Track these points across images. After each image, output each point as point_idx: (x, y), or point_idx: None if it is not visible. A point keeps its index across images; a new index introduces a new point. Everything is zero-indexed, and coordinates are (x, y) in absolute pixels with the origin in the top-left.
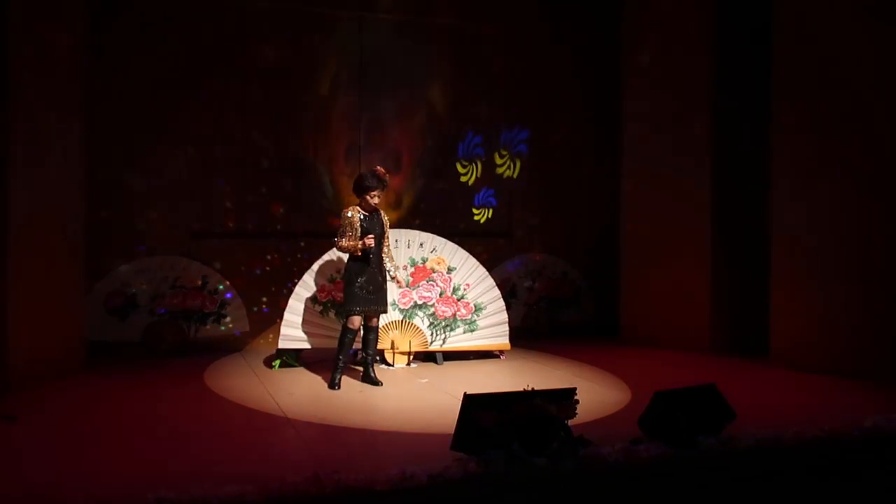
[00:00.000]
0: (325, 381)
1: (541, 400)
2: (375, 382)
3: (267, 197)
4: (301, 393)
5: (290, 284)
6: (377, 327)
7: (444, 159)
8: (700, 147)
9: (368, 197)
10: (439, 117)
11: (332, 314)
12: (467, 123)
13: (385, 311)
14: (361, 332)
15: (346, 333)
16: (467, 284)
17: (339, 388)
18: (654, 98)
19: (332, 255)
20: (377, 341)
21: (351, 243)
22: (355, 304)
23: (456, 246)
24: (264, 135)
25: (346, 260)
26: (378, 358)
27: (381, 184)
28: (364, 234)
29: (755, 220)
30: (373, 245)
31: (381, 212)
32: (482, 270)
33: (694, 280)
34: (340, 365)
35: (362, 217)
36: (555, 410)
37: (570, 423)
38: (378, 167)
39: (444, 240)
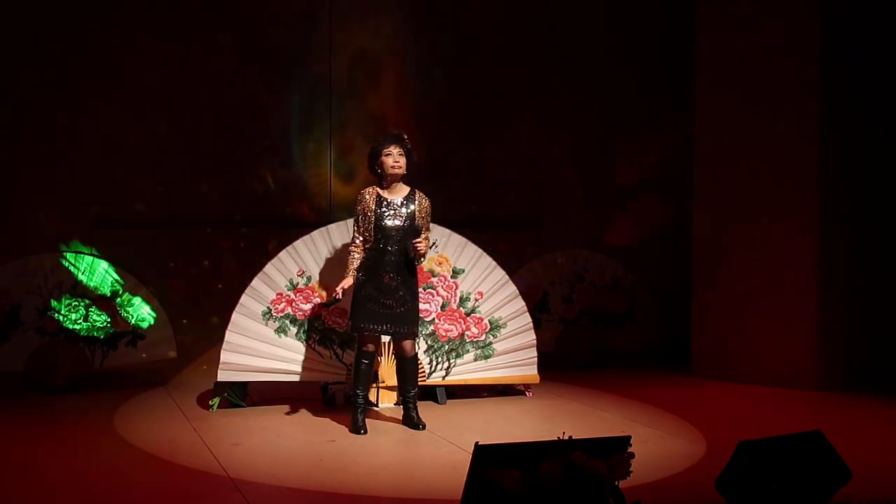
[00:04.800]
0: (282, 425)
1: (582, 453)
2: (417, 426)
3: (203, 173)
4: (250, 443)
5: (235, 293)
6: (414, 356)
7: (446, 120)
8: (805, 119)
9: (385, 159)
10: (441, 66)
11: (291, 334)
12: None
13: (412, 335)
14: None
15: (360, 359)
16: (480, 293)
17: (364, 431)
18: (741, 46)
19: (292, 251)
20: (416, 374)
21: (354, 254)
22: (359, 320)
23: (464, 239)
24: (196, 88)
25: (310, 258)
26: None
27: (395, 140)
28: (378, 226)
29: (882, 220)
30: (340, 298)
31: (418, 194)
32: (500, 274)
33: (795, 292)
34: (360, 401)
35: (380, 202)
36: (602, 468)
37: (623, 484)
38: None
39: (447, 231)
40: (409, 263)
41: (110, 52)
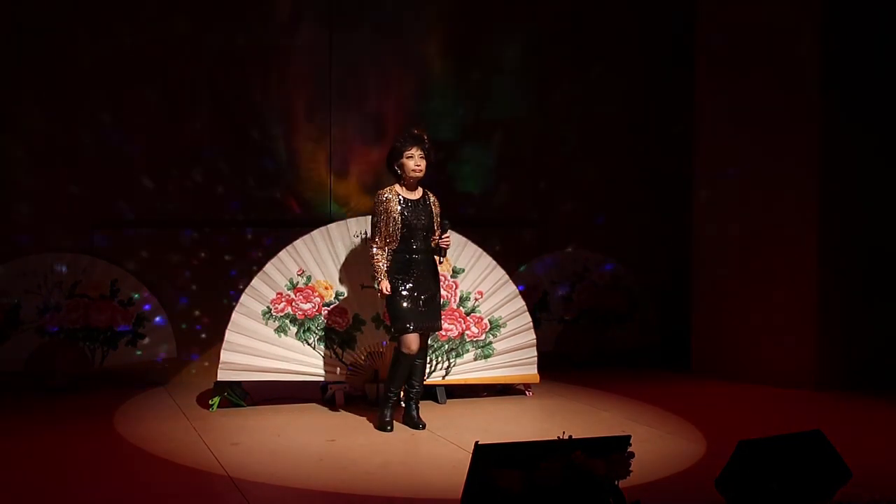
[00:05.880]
0: (282, 425)
1: (582, 453)
2: (417, 425)
3: (201, 172)
4: (249, 443)
5: (234, 292)
6: (426, 349)
7: (448, 118)
8: (805, 122)
9: (406, 161)
10: (442, 63)
11: (291, 334)
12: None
13: (439, 328)
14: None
15: (401, 361)
16: (480, 293)
17: (391, 428)
18: (740, 40)
19: (292, 251)
20: (425, 368)
21: (379, 255)
22: (405, 321)
23: (464, 239)
24: (194, 87)
25: (310, 257)
26: (359, 392)
27: (417, 141)
28: (406, 226)
29: (881, 218)
30: (388, 294)
31: (431, 195)
32: (500, 273)
33: (795, 292)
34: (393, 399)
35: (403, 202)
36: (602, 467)
37: (623, 484)
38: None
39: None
40: (433, 260)
41: (109, 53)
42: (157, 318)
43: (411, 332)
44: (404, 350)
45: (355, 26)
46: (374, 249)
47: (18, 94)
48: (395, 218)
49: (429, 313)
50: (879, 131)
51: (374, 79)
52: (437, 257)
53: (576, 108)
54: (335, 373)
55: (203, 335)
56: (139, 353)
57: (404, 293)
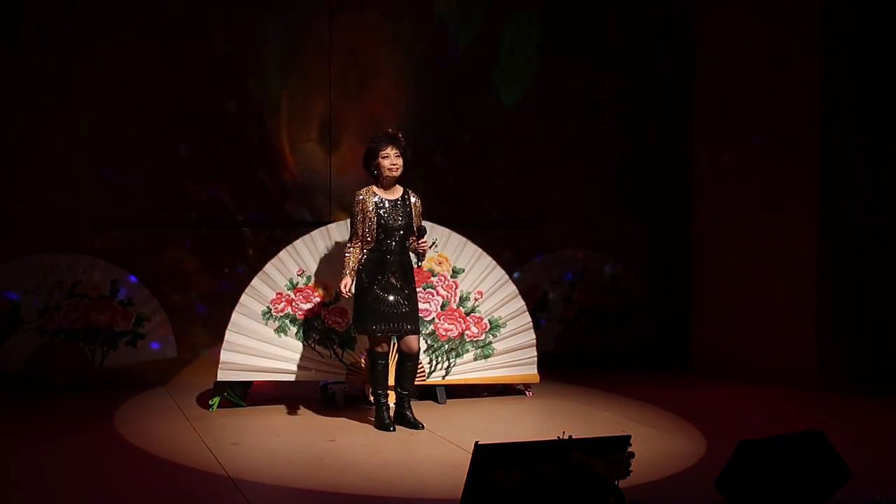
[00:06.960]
0: (282, 425)
1: (582, 453)
2: (415, 425)
3: (202, 172)
4: (249, 443)
5: (234, 292)
6: (417, 353)
7: (448, 118)
8: (804, 116)
9: (382, 161)
10: (441, 65)
11: (291, 334)
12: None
13: (418, 331)
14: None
15: (377, 360)
16: (480, 293)
17: (393, 428)
18: (743, 41)
19: (292, 251)
20: (416, 372)
21: (352, 254)
22: (371, 322)
23: (464, 239)
24: (194, 88)
25: (310, 257)
26: (359, 392)
27: (391, 141)
28: (381, 226)
29: (881, 218)
30: (349, 296)
31: (412, 195)
32: (500, 273)
33: (795, 292)
34: (382, 401)
35: (380, 202)
36: (602, 467)
37: (623, 484)
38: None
39: (446, 230)
40: (409, 261)
41: (109, 51)
42: (157, 319)
43: (374, 335)
44: (377, 349)
45: (356, 25)
46: (349, 247)
47: (15, 93)
48: (370, 218)
49: (400, 315)
50: (880, 132)
51: (373, 80)
52: (413, 260)
53: (576, 107)
54: (335, 373)
55: (203, 335)
56: (139, 352)
57: (375, 295)
